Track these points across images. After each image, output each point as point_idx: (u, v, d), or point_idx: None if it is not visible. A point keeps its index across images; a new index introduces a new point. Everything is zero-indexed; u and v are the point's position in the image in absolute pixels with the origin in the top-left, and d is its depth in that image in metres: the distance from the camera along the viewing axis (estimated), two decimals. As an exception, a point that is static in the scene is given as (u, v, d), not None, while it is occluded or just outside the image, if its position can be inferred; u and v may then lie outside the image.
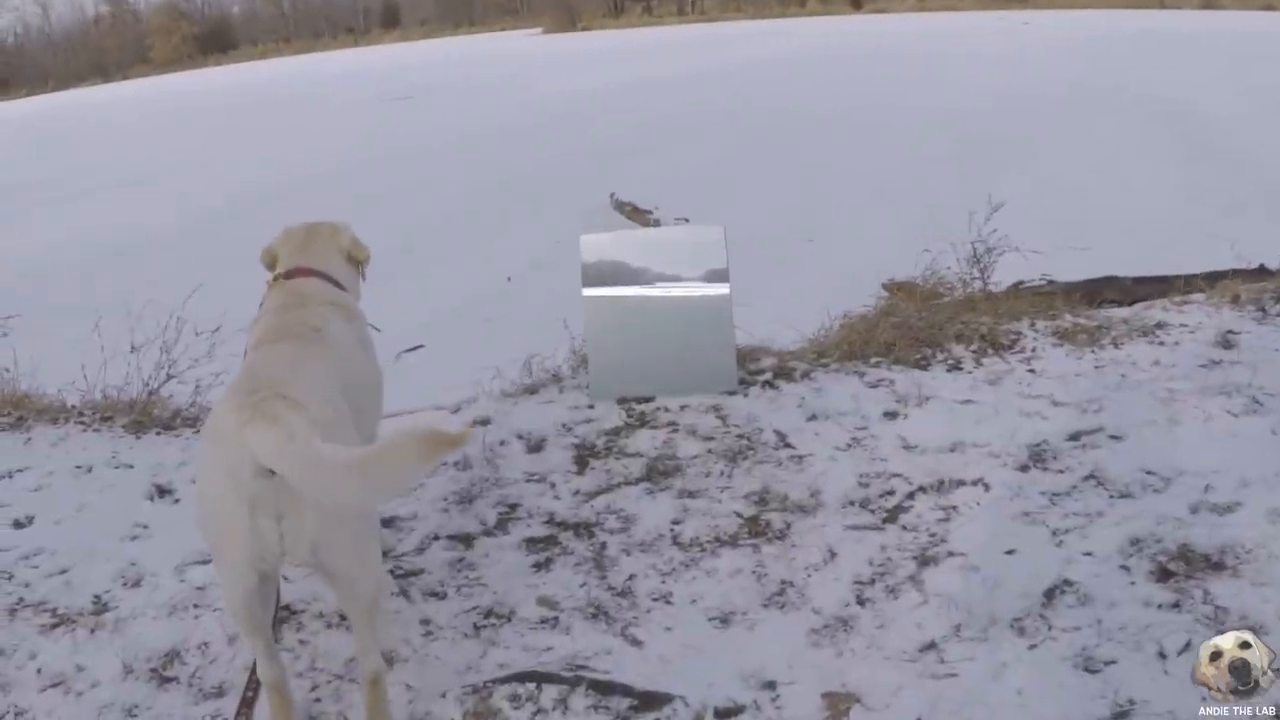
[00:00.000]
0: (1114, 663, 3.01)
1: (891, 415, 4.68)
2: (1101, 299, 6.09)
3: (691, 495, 4.13)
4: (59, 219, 15.57)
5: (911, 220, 10.39)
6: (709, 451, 4.44)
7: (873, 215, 11.35)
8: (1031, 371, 5.12)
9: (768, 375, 5.10)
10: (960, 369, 5.19)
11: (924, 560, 3.65)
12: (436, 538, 3.94)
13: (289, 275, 3.50)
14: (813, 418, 4.67)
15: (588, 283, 5.04)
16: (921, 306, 5.87)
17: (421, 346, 8.09)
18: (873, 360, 5.25)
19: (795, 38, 33.90)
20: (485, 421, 4.84)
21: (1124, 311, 5.79)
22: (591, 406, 4.93)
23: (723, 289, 5.02)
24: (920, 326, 5.47)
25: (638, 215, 11.31)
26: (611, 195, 12.30)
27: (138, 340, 5.36)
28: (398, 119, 23.89)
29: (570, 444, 4.59)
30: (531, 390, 5.17)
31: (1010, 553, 3.62)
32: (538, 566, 3.77)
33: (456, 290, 10.04)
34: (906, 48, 28.79)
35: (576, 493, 4.20)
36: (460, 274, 10.59)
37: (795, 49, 30.77)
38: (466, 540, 3.93)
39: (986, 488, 4.05)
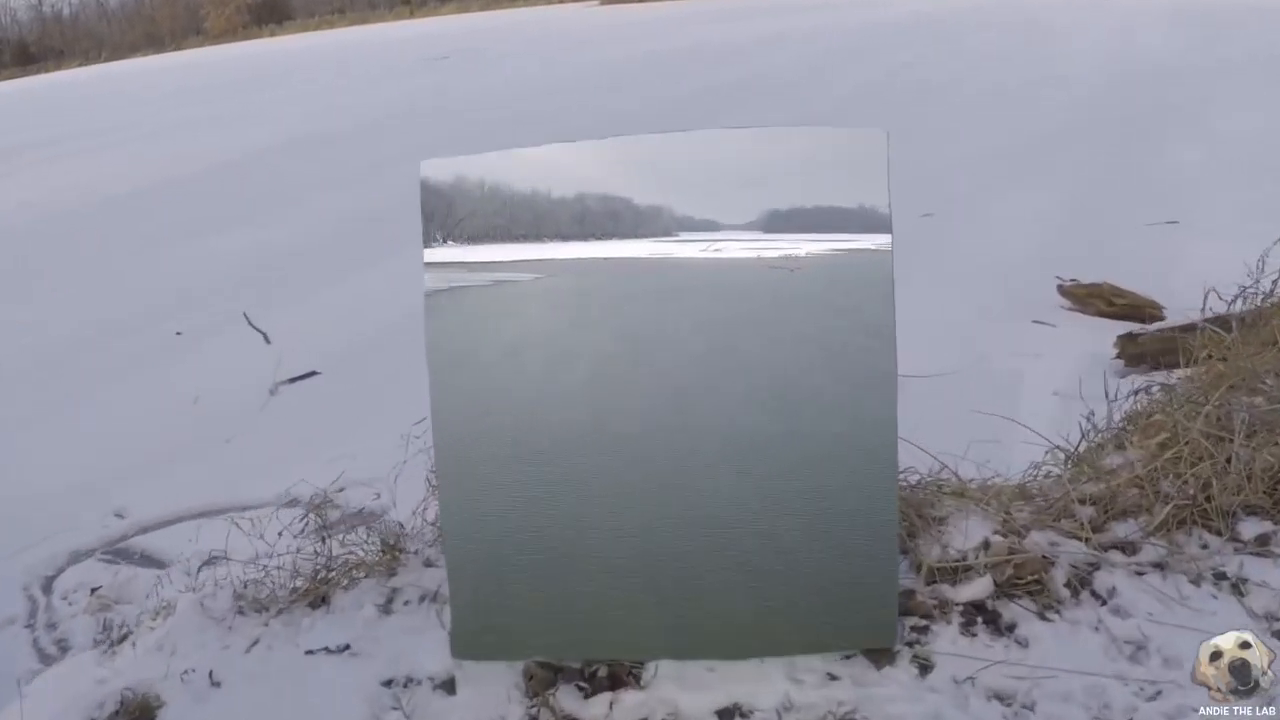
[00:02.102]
0: None
1: None
2: None
3: None
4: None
5: (1057, 198, 8.28)
6: None
7: (1005, 192, 8.37)
8: None
9: (976, 590, 2.00)
10: None
11: None
12: None
13: None
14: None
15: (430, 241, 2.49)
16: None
17: (315, 374, 5.12)
18: (1240, 530, 2.15)
19: (868, 8, 30.37)
20: None
21: None
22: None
23: (883, 240, 2.29)
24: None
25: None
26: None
27: None
28: (429, 81, 20.98)
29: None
30: (319, 600, 2.06)
31: None
32: None
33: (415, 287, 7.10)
34: (1004, 15, 25.28)
35: None
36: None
37: (873, 16, 27.46)
38: None
39: None
